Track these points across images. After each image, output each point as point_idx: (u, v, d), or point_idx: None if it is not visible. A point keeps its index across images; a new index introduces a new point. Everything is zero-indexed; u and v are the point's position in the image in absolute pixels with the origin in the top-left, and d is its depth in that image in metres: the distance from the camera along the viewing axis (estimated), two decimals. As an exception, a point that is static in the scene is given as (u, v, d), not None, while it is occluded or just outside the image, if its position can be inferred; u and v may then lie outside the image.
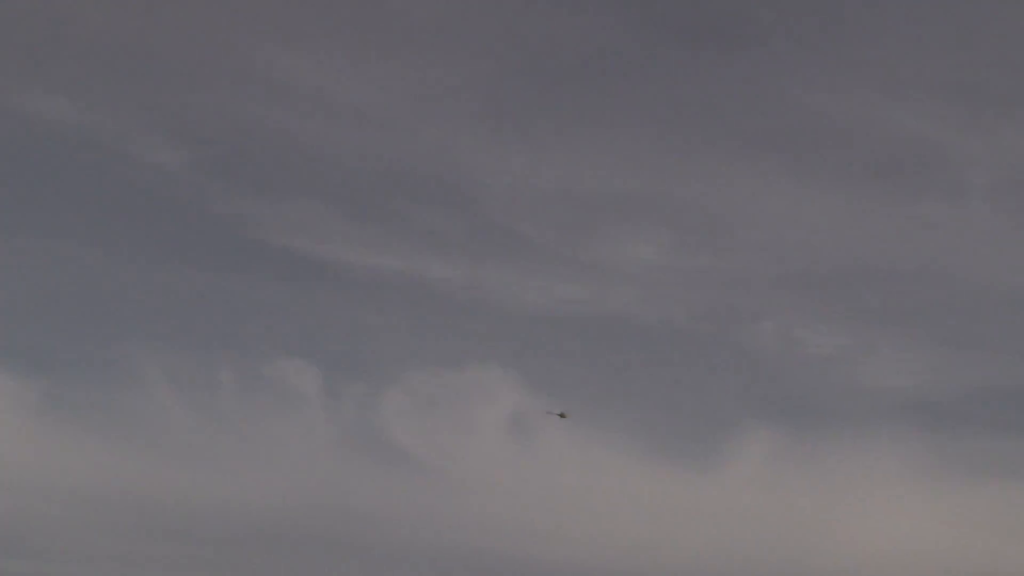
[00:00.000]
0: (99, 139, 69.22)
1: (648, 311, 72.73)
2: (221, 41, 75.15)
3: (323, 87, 74.22)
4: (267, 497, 64.66)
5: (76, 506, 63.74)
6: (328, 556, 66.80)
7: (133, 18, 72.60)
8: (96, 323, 72.07)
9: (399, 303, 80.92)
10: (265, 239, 73.40)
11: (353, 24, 75.13)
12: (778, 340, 74.87)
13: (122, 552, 61.10)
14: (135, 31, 72.12)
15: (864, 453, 76.95)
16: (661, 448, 76.48)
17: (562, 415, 63.45)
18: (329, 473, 72.36)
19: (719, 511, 70.92)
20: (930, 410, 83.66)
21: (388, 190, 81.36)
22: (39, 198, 73.26)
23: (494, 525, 67.78)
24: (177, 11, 73.37)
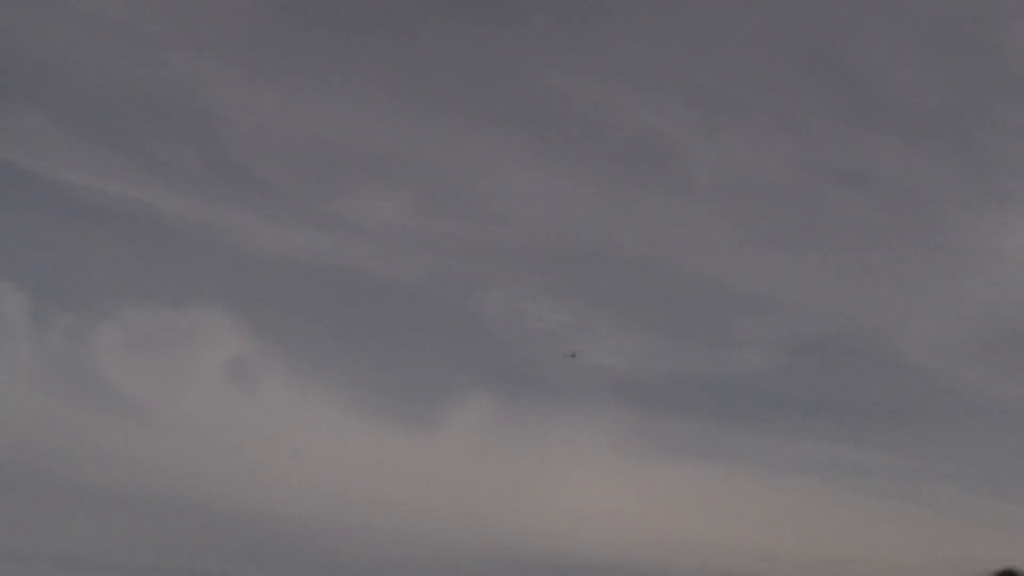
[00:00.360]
0: None
1: (385, 269, 69.02)
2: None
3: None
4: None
5: None
6: (24, 496, 62.36)
7: None
8: None
9: (123, 233, 74.35)
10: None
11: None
12: (506, 311, 71.82)
13: None
14: None
15: (574, 425, 75.32)
16: (383, 406, 73.99)
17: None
18: (30, 407, 67.64)
19: (433, 471, 68.89)
20: (637, 390, 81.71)
21: (125, 112, 73.09)
22: None
23: (208, 473, 64.67)
24: None
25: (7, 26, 70.40)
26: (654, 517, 70.25)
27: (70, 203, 75.60)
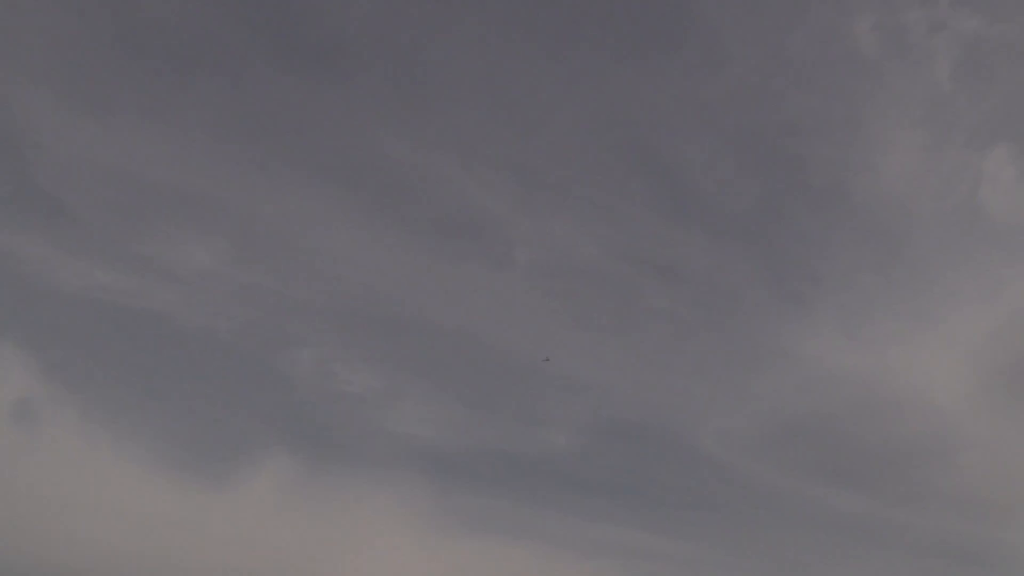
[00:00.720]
0: None
1: (193, 317, 64.29)
2: None
3: None
4: None
5: None
6: None
7: None
8: None
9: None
10: None
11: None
12: (315, 370, 68.65)
13: None
14: None
15: (376, 493, 73.25)
16: (178, 460, 68.61)
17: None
18: None
19: (226, 532, 64.98)
20: (442, 462, 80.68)
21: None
22: None
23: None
24: None
25: None
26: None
27: None
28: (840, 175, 23.02)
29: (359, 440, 74.05)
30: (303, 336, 66.26)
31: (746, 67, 22.31)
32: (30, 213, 70.46)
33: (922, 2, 22.14)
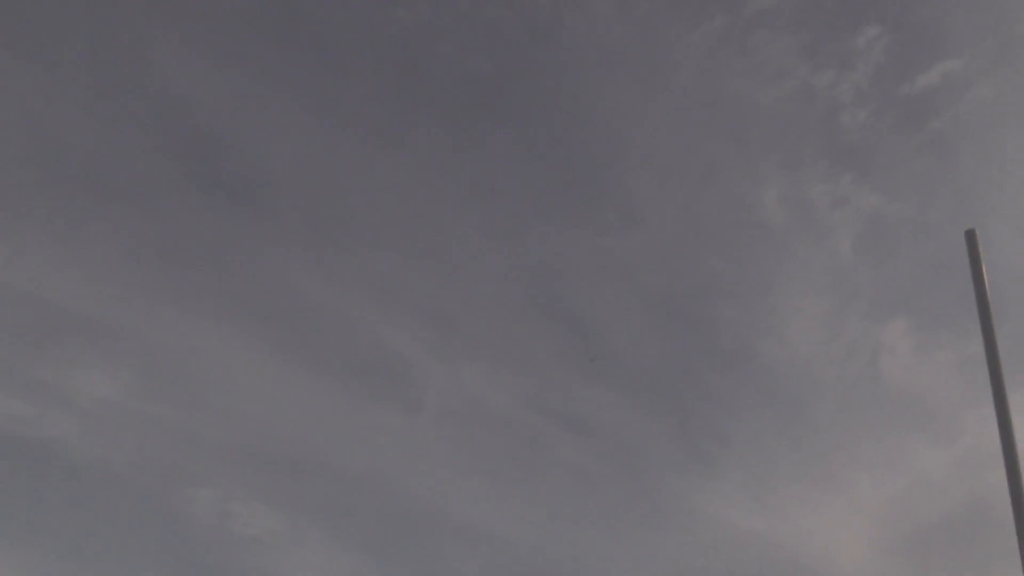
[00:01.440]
0: None
1: (89, 448, 63.38)
2: None
3: None
4: None
5: None
6: None
7: None
8: None
9: None
10: None
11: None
12: (213, 510, 68.66)
13: None
14: None
15: None
16: None
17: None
18: None
19: None
20: None
21: None
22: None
23: None
24: None
25: None
26: None
27: None
28: (748, 339, 23.93)
29: (255, 583, 71.79)
30: (203, 473, 64.00)
31: (660, 229, 23.47)
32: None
33: (826, 177, 23.43)
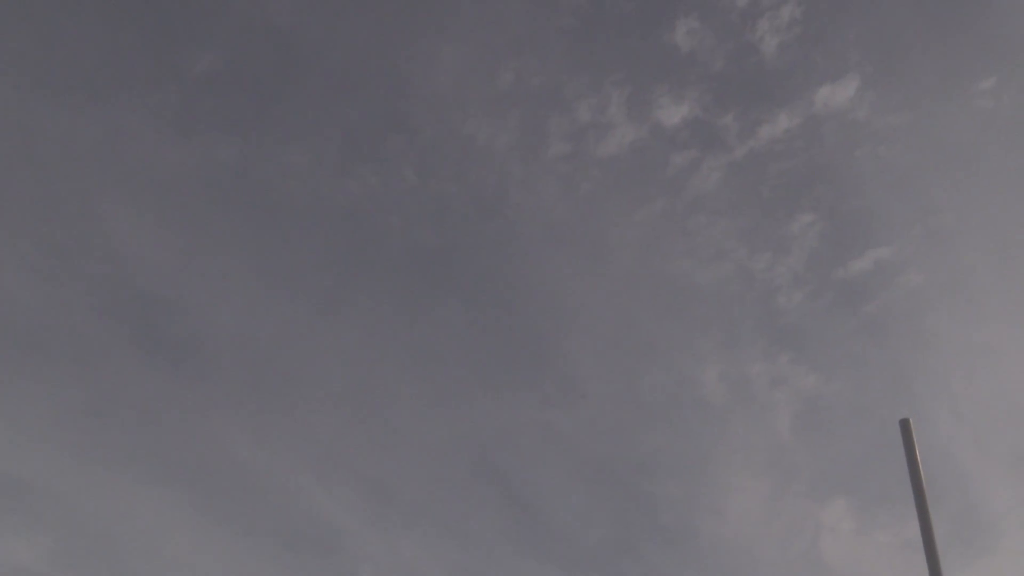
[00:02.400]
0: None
1: None
2: None
3: None
4: None
5: None
6: None
7: None
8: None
9: None
10: None
11: None
12: None
13: None
14: None
15: None
16: None
17: None
18: None
19: None
20: None
21: None
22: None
23: None
24: None
25: None
26: None
27: None
28: (689, 515, 23.80)
29: None
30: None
31: (601, 403, 23.64)
32: None
33: (764, 357, 23.94)
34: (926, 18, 24.47)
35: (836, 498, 24.52)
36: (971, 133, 23.94)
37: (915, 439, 8.21)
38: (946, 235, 24.05)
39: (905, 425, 8.15)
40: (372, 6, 24.55)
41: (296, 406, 24.97)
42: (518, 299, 25.00)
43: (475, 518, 26.30)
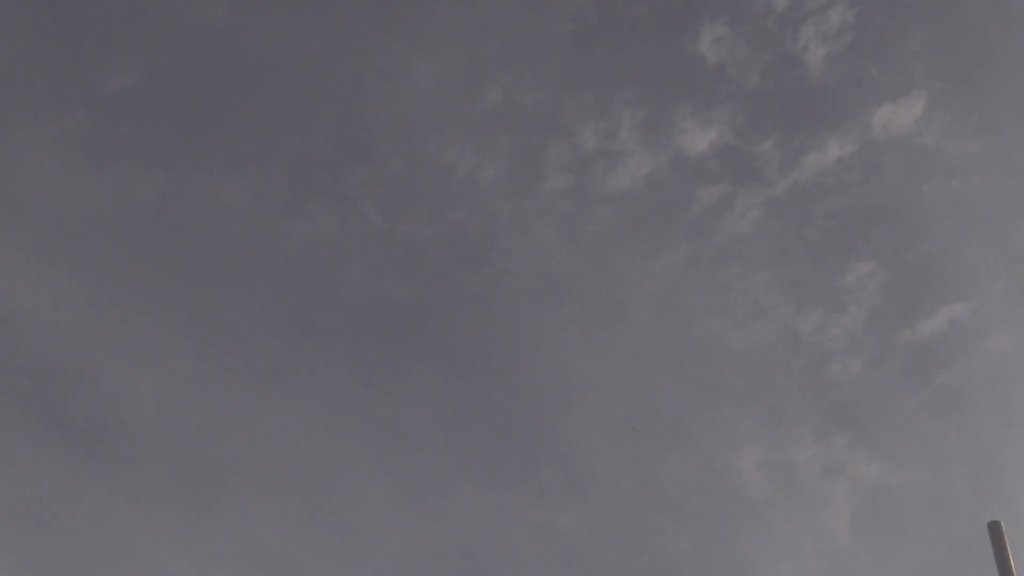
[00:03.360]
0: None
1: None
2: None
3: None
4: None
5: None
6: None
7: None
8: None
9: None
10: None
11: None
12: None
13: None
14: None
15: None
16: None
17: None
18: None
19: None
20: None
21: None
22: None
23: None
24: None
25: None
26: None
27: None
28: None
29: None
30: None
31: (613, 498, 20.03)
32: None
33: (814, 439, 19.99)
34: (1007, 22, 21.10)
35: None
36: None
37: (1007, 544, 7.28)
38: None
39: (995, 528, 7.32)
40: (328, 8, 20.91)
41: (233, 501, 20.68)
42: (508, 367, 20.73)
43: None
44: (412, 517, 21.61)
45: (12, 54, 21.74)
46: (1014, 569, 7.30)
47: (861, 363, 21.35)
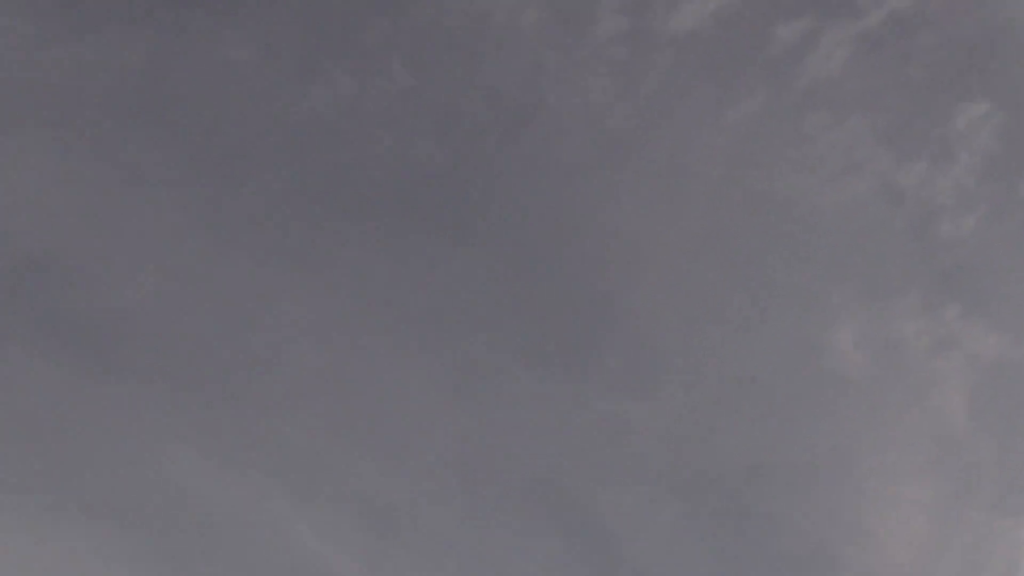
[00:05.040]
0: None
1: None
2: None
3: None
4: None
5: None
6: None
7: None
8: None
9: None
10: None
11: None
12: None
13: None
14: None
15: None
16: None
17: None
18: None
19: None
20: None
21: None
22: None
23: None
24: None
25: None
26: None
27: None
28: (822, 540, 18.37)
29: None
30: None
31: (690, 387, 18.29)
32: None
33: (922, 310, 18.06)
34: None
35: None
36: None
37: None
38: None
39: None
40: None
41: (254, 403, 18.24)
42: (562, 242, 18.11)
43: (520, 554, 19.34)
44: (460, 413, 19.20)
45: None
46: None
47: (975, 220, 18.82)
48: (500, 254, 19.94)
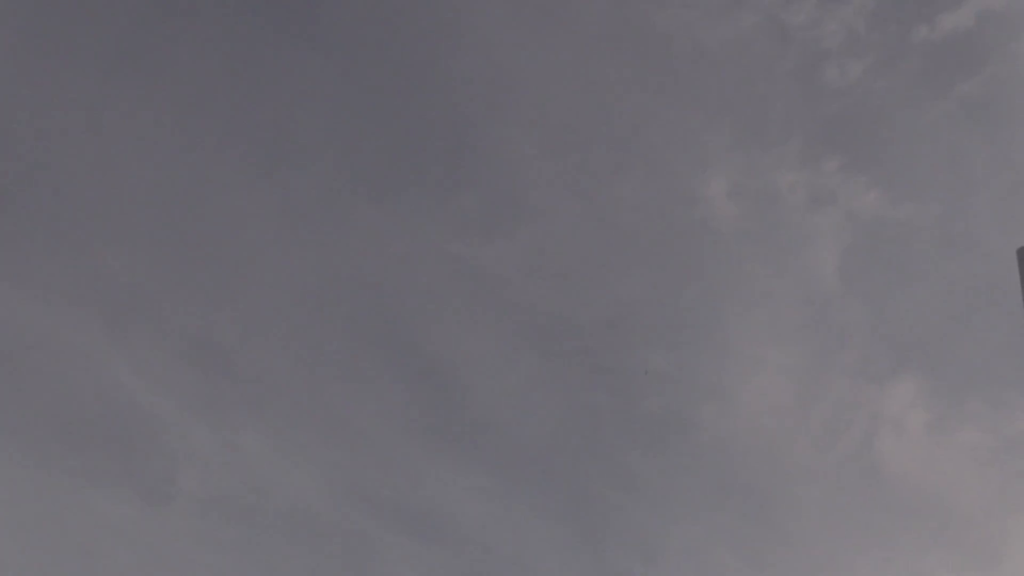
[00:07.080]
0: None
1: None
2: None
3: None
4: None
5: None
6: None
7: None
8: None
9: None
10: None
11: None
12: None
13: None
14: None
15: None
16: None
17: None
18: None
19: None
20: None
21: None
22: None
23: None
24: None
25: None
26: None
27: None
28: (684, 400, 17.82)
29: None
30: None
31: (553, 230, 17.38)
32: None
33: (801, 162, 17.40)
34: None
35: (903, 377, 17.10)
36: None
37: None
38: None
39: None
40: None
41: (71, 225, 16.49)
42: (424, 63, 16.62)
43: (359, 402, 18.25)
44: (302, 243, 17.75)
45: None
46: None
47: (864, 67, 17.90)
48: (354, 72, 18.31)
